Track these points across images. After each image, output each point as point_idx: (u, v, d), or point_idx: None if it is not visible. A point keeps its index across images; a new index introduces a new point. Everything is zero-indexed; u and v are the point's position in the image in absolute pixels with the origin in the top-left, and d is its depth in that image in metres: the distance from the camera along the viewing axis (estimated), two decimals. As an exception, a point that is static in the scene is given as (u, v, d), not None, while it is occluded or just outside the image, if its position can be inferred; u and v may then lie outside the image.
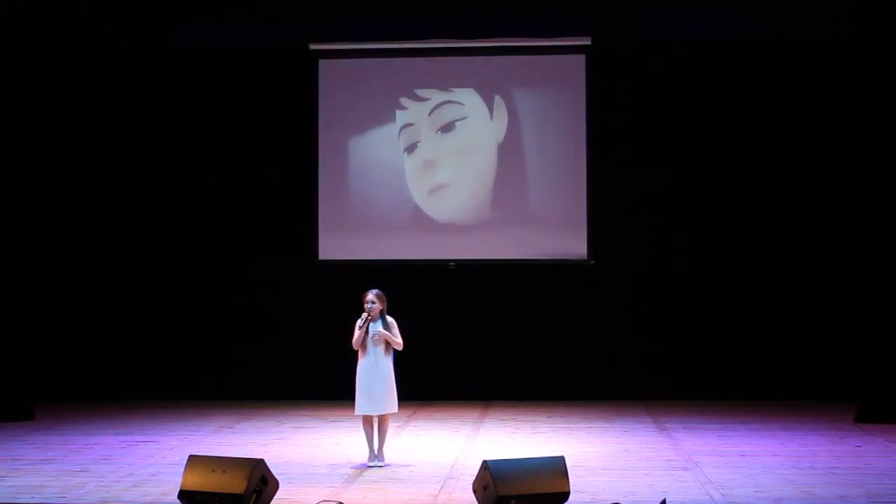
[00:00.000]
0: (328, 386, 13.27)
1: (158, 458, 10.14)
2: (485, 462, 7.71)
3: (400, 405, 9.92)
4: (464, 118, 14.51)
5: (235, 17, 14.36)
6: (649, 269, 14.28)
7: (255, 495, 7.61)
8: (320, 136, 14.59)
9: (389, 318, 9.76)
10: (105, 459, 10.06)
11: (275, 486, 7.88)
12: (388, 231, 14.48)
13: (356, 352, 9.75)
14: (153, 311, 14.64)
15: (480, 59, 14.49)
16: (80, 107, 14.61)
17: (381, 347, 9.67)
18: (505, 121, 14.46)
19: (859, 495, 8.30)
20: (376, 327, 9.67)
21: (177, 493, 7.88)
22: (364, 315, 9.64)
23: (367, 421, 9.76)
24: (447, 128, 14.52)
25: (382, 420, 9.75)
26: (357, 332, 9.64)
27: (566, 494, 7.75)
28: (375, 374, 9.64)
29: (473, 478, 7.92)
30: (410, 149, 14.57)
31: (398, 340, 9.70)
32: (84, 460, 10.02)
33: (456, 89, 14.55)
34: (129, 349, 14.58)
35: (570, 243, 14.31)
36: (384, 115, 14.59)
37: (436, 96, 14.56)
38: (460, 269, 14.41)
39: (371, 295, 9.68)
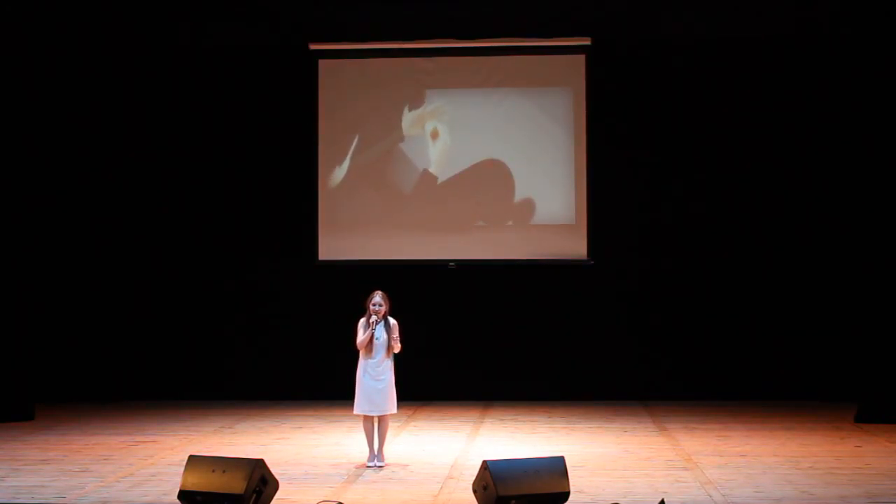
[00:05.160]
0: (328, 386, 13.29)
1: (158, 458, 10.14)
2: (485, 462, 7.71)
3: (400, 405, 9.94)
4: (463, 118, 14.51)
5: (235, 17, 14.36)
6: (649, 269, 14.28)
7: (255, 495, 7.62)
8: (320, 137, 14.60)
9: (392, 320, 9.76)
10: (105, 459, 10.06)
11: (275, 486, 7.89)
12: (388, 231, 14.48)
13: (357, 351, 9.76)
14: (153, 312, 14.63)
15: (480, 59, 14.49)
16: (81, 107, 14.62)
17: (385, 348, 9.68)
18: (505, 120, 14.46)
19: (859, 495, 8.31)
20: (380, 328, 9.67)
21: (177, 493, 7.89)
22: (373, 318, 9.63)
23: (368, 420, 9.77)
24: (447, 127, 14.51)
25: (382, 420, 9.75)
26: (364, 334, 9.64)
27: (566, 494, 7.75)
28: (377, 374, 9.66)
29: (473, 478, 7.93)
30: (410, 148, 14.57)
31: (399, 346, 9.72)
32: (84, 460, 10.02)
33: (456, 89, 14.55)
34: (129, 349, 14.58)
35: (570, 243, 14.31)
36: (384, 114, 14.59)
37: (436, 96, 14.56)
38: (460, 269, 14.41)
39: (378, 297, 9.69)
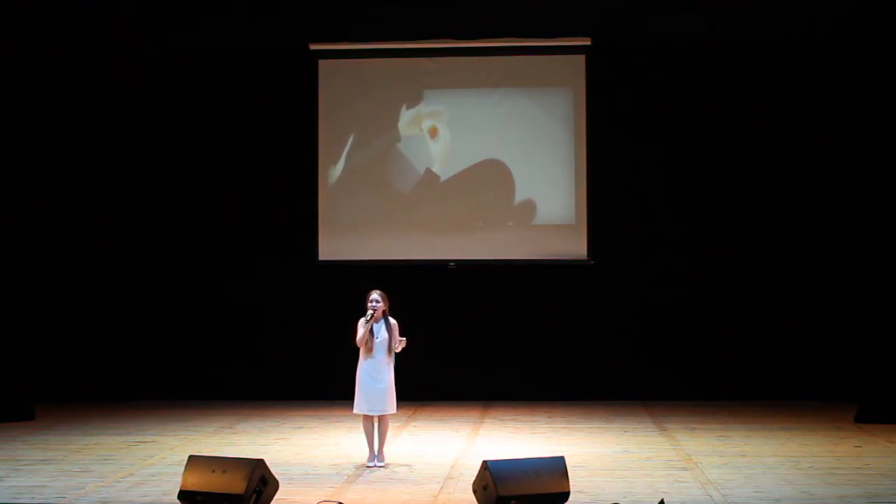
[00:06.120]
0: (328, 386, 13.28)
1: (158, 458, 10.14)
2: (485, 462, 7.71)
3: (400, 405, 9.94)
4: (464, 118, 14.51)
5: (235, 17, 14.35)
6: (649, 270, 14.29)
7: (255, 496, 7.62)
8: (320, 137, 14.60)
9: (392, 320, 9.76)
10: (105, 459, 10.06)
11: (275, 486, 7.88)
12: (388, 231, 14.48)
13: (357, 351, 9.75)
14: (153, 312, 14.64)
15: (480, 59, 14.49)
16: (80, 106, 14.63)
17: (385, 348, 9.67)
18: (505, 120, 14.47)
19: (859, 495, 8.31)
20: (380, 328, 9.67)
21: (177, 493, 7.89)
22: (369, 313, 9.63)
23: (368, 420, 9.76)
24: (447, 127, 14.51)
25: (382, 420, 9.75)
26: (361, 330, 9.64)
27: (566, 494, 7.75)
28: (377, 374, 9.65)
29: (473, 478, 7.92)
30: (410, 149, 14.57)
31: (402, 343, 9.71)
32: (84, 460, 10.02)
33: (456, 89, 14.55)
34: (129, 349, 14.58)
35: (570, 243, 14.32)
36: (384, 115, 14.59)
37: (436, 96, 14.56)
38: (460, 269, 14.41)
39: (375, 294, 9.69)
